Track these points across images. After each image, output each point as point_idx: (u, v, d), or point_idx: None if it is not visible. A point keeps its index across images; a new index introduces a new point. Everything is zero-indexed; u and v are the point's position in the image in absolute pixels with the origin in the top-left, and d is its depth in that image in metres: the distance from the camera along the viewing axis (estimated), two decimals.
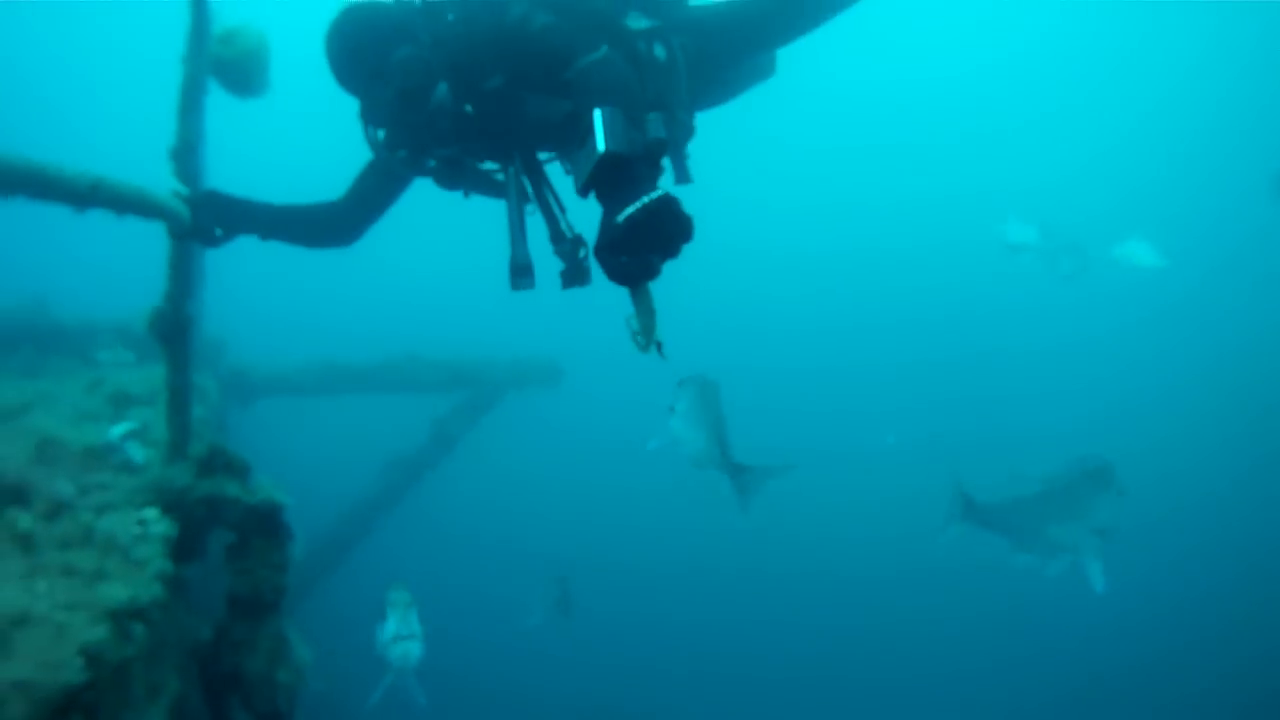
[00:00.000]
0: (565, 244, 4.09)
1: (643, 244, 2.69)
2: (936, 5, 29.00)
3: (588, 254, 4.03)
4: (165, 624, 3.65)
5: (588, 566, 15.39)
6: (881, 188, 30.84)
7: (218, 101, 5.68)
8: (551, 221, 4.13)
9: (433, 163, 4.04)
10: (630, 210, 2.64)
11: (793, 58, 4.71)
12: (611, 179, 2.79)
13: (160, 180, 4.17)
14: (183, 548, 3.99)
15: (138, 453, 4.54)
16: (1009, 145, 30.45)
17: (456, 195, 4.22)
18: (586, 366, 14.21)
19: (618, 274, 2.78)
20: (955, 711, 15.27)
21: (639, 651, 16.24)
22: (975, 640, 16.58)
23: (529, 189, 4.12)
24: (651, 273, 2.78)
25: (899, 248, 29.42)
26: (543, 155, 4.15)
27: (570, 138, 3.88)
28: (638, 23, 4.10)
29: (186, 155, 4.40)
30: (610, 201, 2.75)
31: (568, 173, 4.13)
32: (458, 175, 4.09)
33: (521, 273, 3.97)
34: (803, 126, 30.54)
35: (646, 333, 2.84)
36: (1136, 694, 14.81)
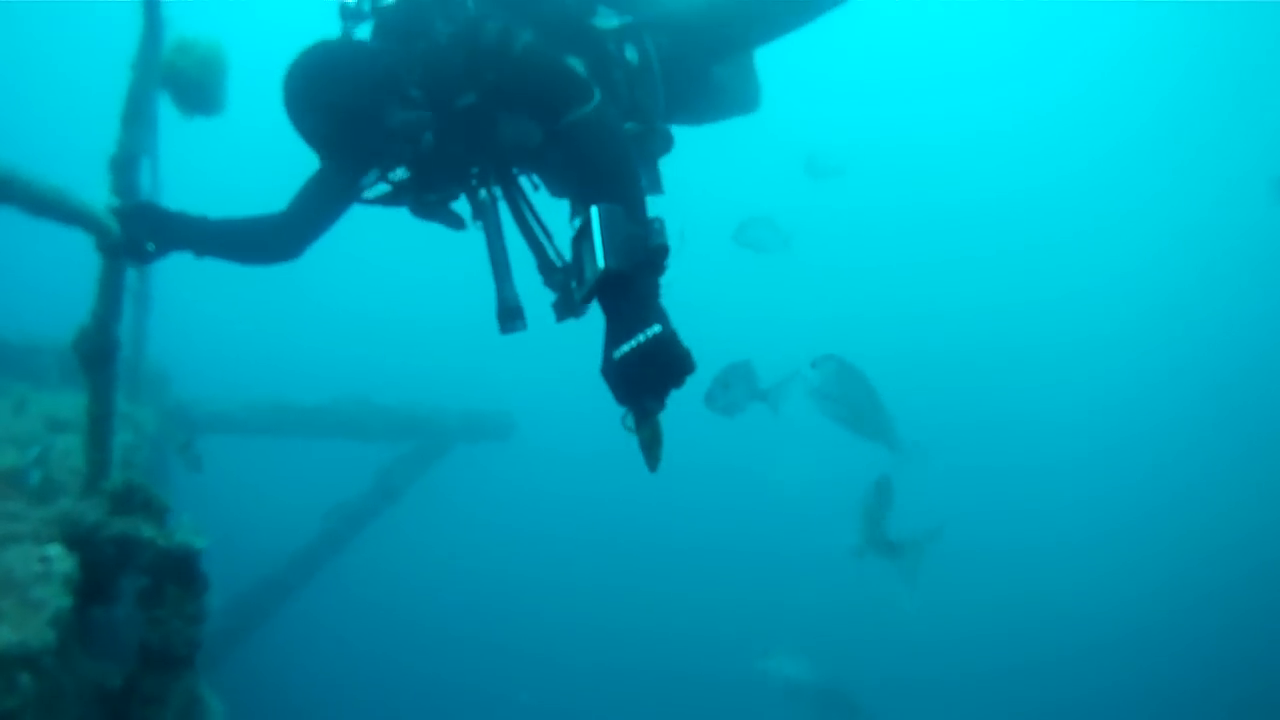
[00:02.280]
0: (556, 274, 3.76)
1: (639, 386, 2.67)
2: (934, 6, 29.12)
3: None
4: (62, 673, 3.35)
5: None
6: (881, 189, 30.82)
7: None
8: (539, 251, 3.81)
9: (409, 197, 3.72)
10: (626, 349, 2.63)
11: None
12: (613, 295, 2.75)
13: (97, 192, 3.89)
14: (91, 589, 3.67)
15: (35, 477, 4.21)
16: (1009, 145, 30.55)
17: (418, 231, 3.95)
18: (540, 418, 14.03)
19: (623, 401, 2.73)
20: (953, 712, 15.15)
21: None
22: (975, 639, 16.49)
23: (507, 217, 3.84)
24: (656, 408, 2.72)
25: (899, 250, 29.44)
26: (519, 174, 3.87)
27: (546, 159, 3.75)
28: (607, 21, 3.85)
29: (127, 167, 4.13)
30: (611, 321, 2.74)
31: (555, 194, 3.93)
32: (435, 208, 3.80)
33: (511, 315, 3.74)
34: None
35: (653, 453, 2.77)
36: (1137, 694, 14.73)
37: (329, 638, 15.16)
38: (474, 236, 3.96)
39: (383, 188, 3.62)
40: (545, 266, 3.78)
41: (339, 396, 11.03)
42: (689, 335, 2.70)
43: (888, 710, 15.20)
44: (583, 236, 2.81)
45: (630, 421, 2.74)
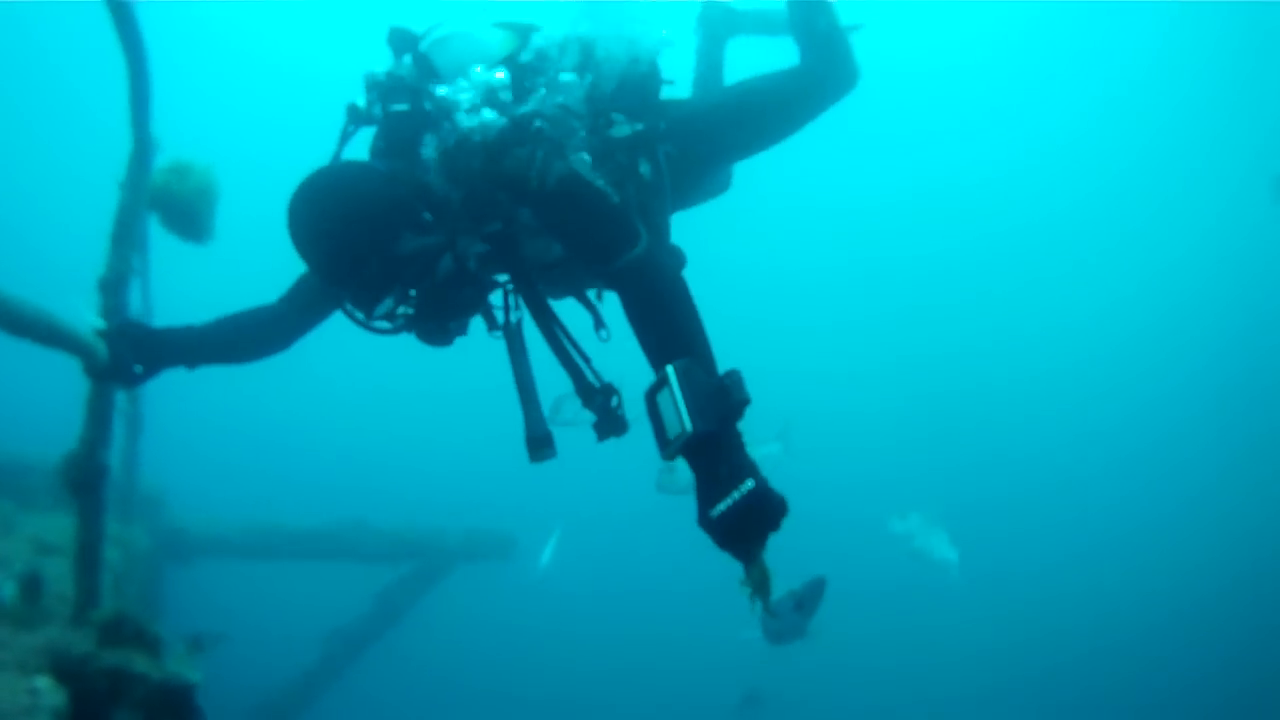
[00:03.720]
0: (597, 396, 3.67)
1: (740, 539, 2.66)
2: (932, 8, 29.38)
3: (620, 402, 3.70)
4: None
5: None
6: (881, 189, 30.94)
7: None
8: (574, 372, 3.68)
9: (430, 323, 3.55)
10: (723, 508, 2.62)
11: None
12: (701, 455, 2.72)
13: (83, 312, 3.82)
14: None
15: (7, 591, 4.08)
16: (1009, 146, 30.60)
17: (409, 348, 3.84)
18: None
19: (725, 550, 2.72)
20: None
21: None
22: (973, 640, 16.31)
23: (538, 339, 3.70)
24: (758, 552, 2.70)
25: (898, 256, 29.45)
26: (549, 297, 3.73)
27: (571, 277, 3.70)
28: (621, 130, 3.73)
29: (115, 288, 4.06)
30: (702, 480, 2.72)
31: (554, 297, 3.79)
32: (451, 332, 3.65)
33: (540, 444, 3.59)
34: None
35: (764, 592, 2.73)
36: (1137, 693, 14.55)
37: None
38: (465, 353, 3.87)
39: (395, 317, 3.44)
40: (584, 390, 3.68)
41: (336, 519, 10.92)
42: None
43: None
44: (658, 393, 2.77)
45: (741, 575, 2.71)
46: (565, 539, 13.33)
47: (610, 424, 3.68)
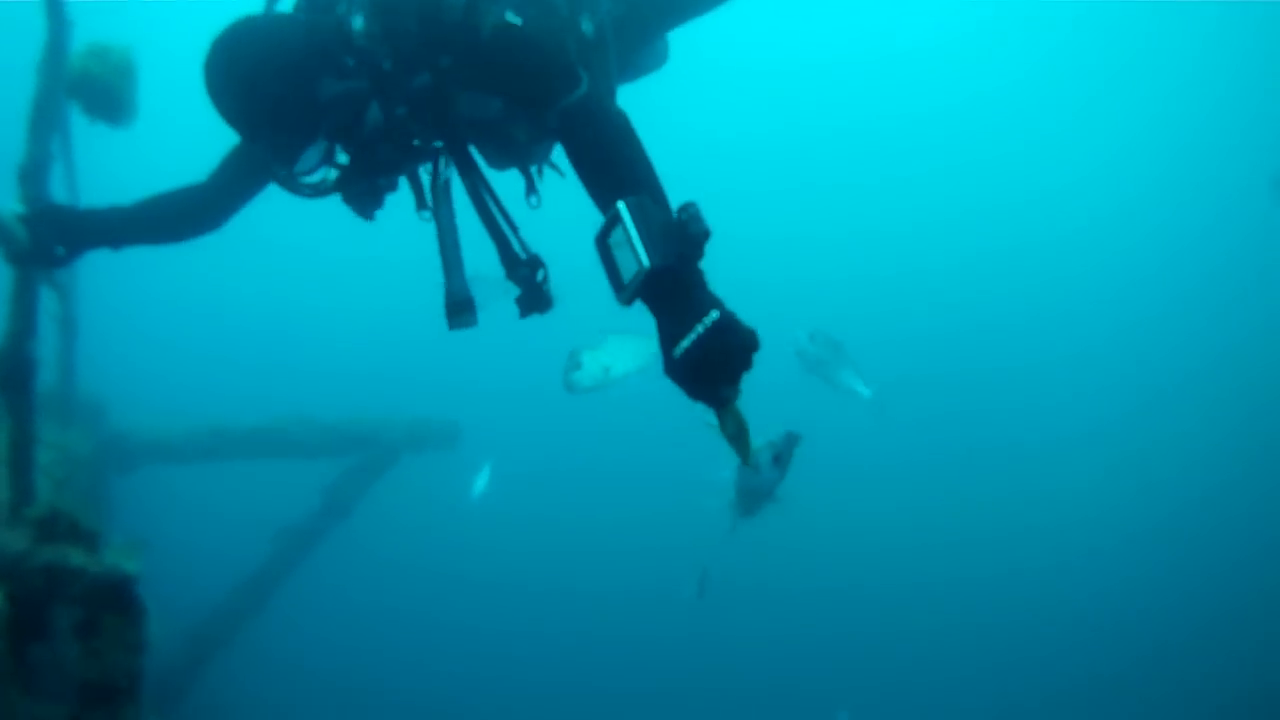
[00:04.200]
0: (521, 268, 3.52)
1: (710, 379, 2.46)
2: (936, 10, 29.18)
3: (547, 276, 3.54)
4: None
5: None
6: (882, 191, 30.97)
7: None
8: (502, 242, 3.54)
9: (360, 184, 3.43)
10: (686, 345, 2.42)
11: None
12: (660, 294, 2.52)
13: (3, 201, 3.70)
14: (21, 625, 3.53)
15: None
16: (1009, 146, 30.67)
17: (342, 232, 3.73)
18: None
19: (697, 398, 2.53)
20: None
21: None
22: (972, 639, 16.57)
23: (460, 202, 3.55)
24: (732, 395, 2.50)
25: (900, 253, 29.50)
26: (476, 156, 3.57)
27: (507, 138, 3.56)
28: None
29: (36, 175, 3.94)
30: (663, 320, 2.52)
31: (497, 167, 3.71)
32: (374, 194, 3.50)
33: (460, 309, 3.41)
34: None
35: (742, 443, 2.57)
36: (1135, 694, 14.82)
37: (287, 664, 14.89)
38: (395, 228, 3.75)
39: (323, 173, 3.32)
40: (509, 260, 3.53)
41: (279, 415, 10.83)
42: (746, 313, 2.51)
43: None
44: (609, 235, 2.58)
45: (712, 419, 2.56)
46: (497, 469, 13.17)
47: (534, 299, 3.54)
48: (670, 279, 2.51)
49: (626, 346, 5.84)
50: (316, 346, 26.07)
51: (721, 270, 2.59)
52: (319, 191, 3.37)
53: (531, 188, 3.71)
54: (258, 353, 25.26)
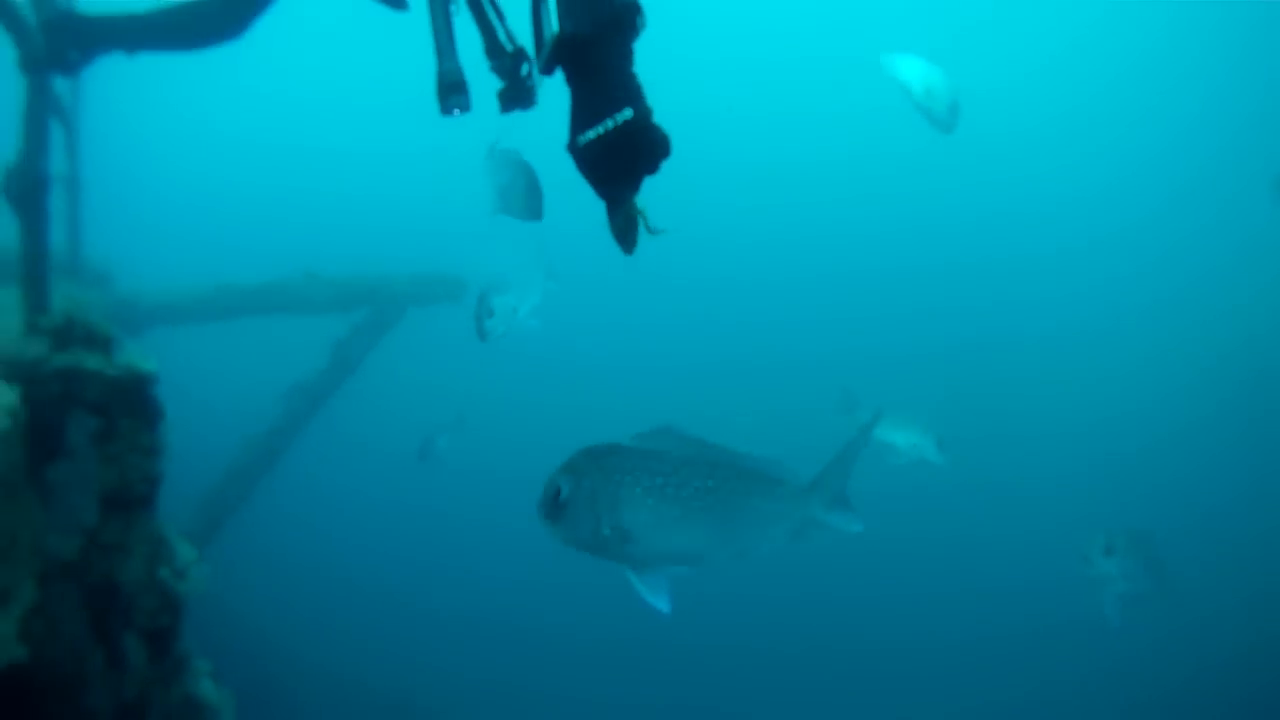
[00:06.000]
0: (505, 59, 3.30)
1: (609, 175, 2.39)
2: (943, 8, 28.74)
3: (532, 70, 3.29)
4: (12, 517, 3.18)
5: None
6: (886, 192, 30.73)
7: None
8: (487, 30, 3.33)
9: None
10: (591, 136, 2.33)
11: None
12: (576, 67, 2.41)
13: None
14: (40, 436, 3.53)
15: None
16: (1010, 147, 30.37)
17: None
18: None
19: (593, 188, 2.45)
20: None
21: None
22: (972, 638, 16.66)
23: None
24: (629, 195, 2.43)
25: (901, 252, 29.36)
26: None
27: None
28: None
29: None
30: (575, 98, 2.41)
31: None
32: None
33: (453, 90, 3.15)
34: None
35: (628, 238, 2.52)
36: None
37: (301, 524, 15.14)
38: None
39: None
40: (493, 49, 3.34)
41: (284, 273, 10.90)
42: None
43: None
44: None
45: (616, 223, 2.51)
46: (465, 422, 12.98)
47: (517, 93, 3.35)
48: (588, 52, 2.39)
49: (528, 283, 5.69)
50: (323, 199, 26.04)
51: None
52: None
53: None
54: (262, 207, 25.26)
